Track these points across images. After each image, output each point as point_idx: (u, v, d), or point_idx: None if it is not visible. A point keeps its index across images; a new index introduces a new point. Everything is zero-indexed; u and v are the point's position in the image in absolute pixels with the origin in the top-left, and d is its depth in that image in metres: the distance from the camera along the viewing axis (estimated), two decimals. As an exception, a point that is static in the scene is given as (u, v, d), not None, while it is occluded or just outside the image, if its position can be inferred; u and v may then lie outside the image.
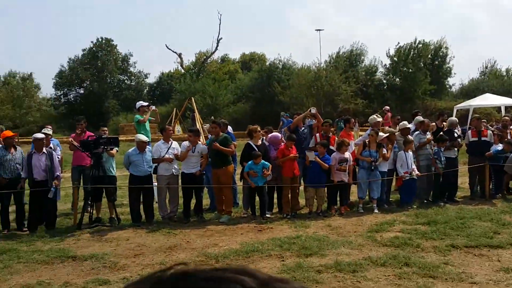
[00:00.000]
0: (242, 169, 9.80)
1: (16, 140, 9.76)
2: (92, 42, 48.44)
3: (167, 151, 9.55)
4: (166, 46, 58.41)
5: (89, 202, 9.31)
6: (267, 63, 45.22)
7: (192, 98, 26.01)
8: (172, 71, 54.09)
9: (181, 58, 52.27)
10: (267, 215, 9.45)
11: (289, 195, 9.71)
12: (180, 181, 9.80)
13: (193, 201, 9.65)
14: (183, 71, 51.16)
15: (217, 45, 50.34)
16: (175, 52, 52.12)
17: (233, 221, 9.29)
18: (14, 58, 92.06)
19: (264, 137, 10.60)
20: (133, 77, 51.14)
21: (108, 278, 6.27)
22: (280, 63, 41.47)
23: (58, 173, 9.10)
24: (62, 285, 6.03)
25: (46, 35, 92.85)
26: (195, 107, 24.76)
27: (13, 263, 6.84)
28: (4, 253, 7.31)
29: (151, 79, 53.35)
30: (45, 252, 7.41)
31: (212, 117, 19.03)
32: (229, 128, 11.17)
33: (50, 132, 10.50)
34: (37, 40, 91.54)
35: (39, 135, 9.21)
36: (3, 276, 6.32)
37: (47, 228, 8.82)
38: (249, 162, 9.47)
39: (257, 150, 9.56)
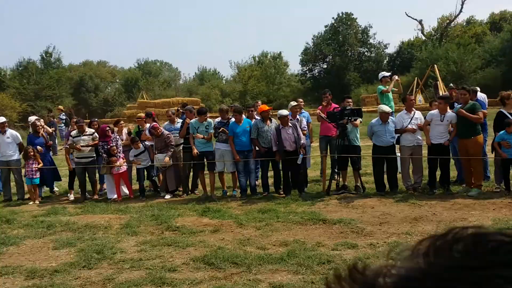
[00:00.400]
0: (493, 139, 8.95)
1: (270, 113, 10.68)
2: (333, 18, 49.77)
3: (410, 121, 9.31)
4: (406, 14, 56.63)
5: (336, 170, 9.76)
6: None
7: (435, 66, 24.62)
8: (412, 39, 51.67)
9: (421, 25, 49.97)
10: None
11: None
12: (425, 151, 9.50)
13: (438, 172, 9.25)
14: (424, 38, 49.02)
15: (462, 7, 46.94)
16: (415, 19, 50.18)
17: (484, 196, 8.59)
18: (265, 39, 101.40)
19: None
20: (372, 49, 50.46)
21: (356, 242, 6.49)
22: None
23: (303, 141, 9.68)
24: (315, 244, 6.46)
25: (291, 17, 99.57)
26: (438, 75, 23.43)
27: (273, 222, 7.66)
28: (266, 212, 8.25)
29: (390, 49, 52.08)
30: (299, 214, 8.08)
31: (451, 84, 17.73)
32: (481, 95, 10.21)
33: (299, 104, 11.14)
34: (283, 21, 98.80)
35: (284, 112, 9.77)
36: (265, 233, 7.14)
37: (299, 192, 9.59)
38: (501, 132, 8.59)
39: (510, 118, 8.59)
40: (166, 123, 11.13)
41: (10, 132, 11.03)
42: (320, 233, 7.07)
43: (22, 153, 10.93)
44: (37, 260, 6.33)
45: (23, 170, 10.81)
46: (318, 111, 11.07)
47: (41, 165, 10.59)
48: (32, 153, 10.51)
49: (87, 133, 10.55)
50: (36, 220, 8.60)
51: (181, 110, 11.46)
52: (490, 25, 48.32)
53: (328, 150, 10.64)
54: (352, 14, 49.47)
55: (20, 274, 5.82)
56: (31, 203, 10.32)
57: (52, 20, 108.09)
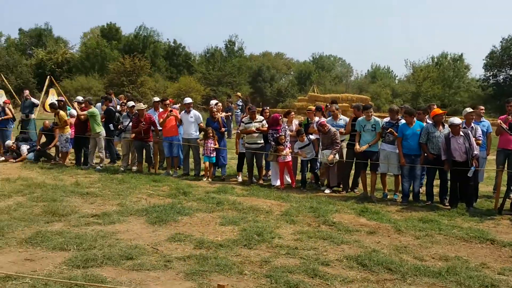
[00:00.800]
0: None
1: (443, 118, 9.98)
2: (529, 18, 44.63)
3: None
4: None
5: None
6: None
7: None
8: None
9: None
10: None
11: None
12: None
13: None
14: None
15: None
16: None
17: None
18: (446, 39, 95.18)
19: None
20: None
21: (528, 271, 5.87)
22: None
23: (476, 152, 8.87)
24: (479, 265, 5.96)
25: (478, 16, 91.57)
26: None
27: (434, 233, 7.22)
28: (427, 222, 7.83)
29: None
30: (464, 229, 7.49)
31: None
32: None
33: (479, 111, 10.27)
34: (468, 21, 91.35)
35: (456, 121, 8.95)
36: (424, 243, 6.76)
37: (467, 206, 8.87)
38: None
39: None
40: (329, 118, 11.17)
41: (193, 112, 12.15)
42: (486, 254, 6.49)
43: (202, 132, 11.98)
44: (206, 233, 6.92)
45: (201, 149, 11.85)
46: (499, 121, 10.10)
47: (217, 146, 11.49)
48: (211, 134, 11.45)
49: (257, 120, 11.11)
50: (208, 196, 9.38)
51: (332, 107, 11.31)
52: None
53: (506, 165, 9.68)
54: (553, 16, 44.12)
55: (190, 242, 6.43)
56: (204, 179, 11.28)
57: (238, 11, 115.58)
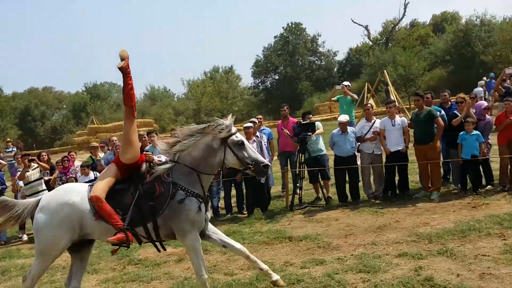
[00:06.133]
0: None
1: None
2: (283, 27, 47.44)
3: (369, 129, 8.80)
4: (352, 21, 50.46)
5: (297, 185, 9.10)
6: (462, 21, 39.74)
7: (385, 71, 23.10)
8: (359, 45, 49.53)
9: (367, 30, 47.96)
10: (481, 190, 8.10)
11: (509, 166, 8.07)
12: (384, 159, 8.84)
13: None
14: (371, 43, 47.03)
15: (405, 11, 44.52)
16: (361, 25, 47.83)
17: (443, 198, 8.16)
18: (217, 54, 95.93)
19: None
20: (322, 57, 48.85)
21: (323, 258, 5.99)
22: (477, 19, 36.28)
23: (268, 159, 8.69)
24: (283, 264, 5.95)
25: (242, 28, 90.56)
26: (388, 80, 22.30)
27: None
28: (230, 234, 7.08)
29: (339, 57, 49.48)
30: (264, 233, 7.42)
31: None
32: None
33: (255, 121, 9.59)
34: (235, 34, 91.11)
35: (248, 124, 8.98)
36: (232, 257, 6.35)
37: (262, 211, 8.90)
38: (461, 132, 8.18)
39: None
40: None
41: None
42: (287, 252, 6.50)
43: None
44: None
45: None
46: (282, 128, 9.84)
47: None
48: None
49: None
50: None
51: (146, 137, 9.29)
52: (433, 27, 46.47)
53: (289, 165, 9.82)
54: (301, 24, 47.74)
55: None
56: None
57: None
